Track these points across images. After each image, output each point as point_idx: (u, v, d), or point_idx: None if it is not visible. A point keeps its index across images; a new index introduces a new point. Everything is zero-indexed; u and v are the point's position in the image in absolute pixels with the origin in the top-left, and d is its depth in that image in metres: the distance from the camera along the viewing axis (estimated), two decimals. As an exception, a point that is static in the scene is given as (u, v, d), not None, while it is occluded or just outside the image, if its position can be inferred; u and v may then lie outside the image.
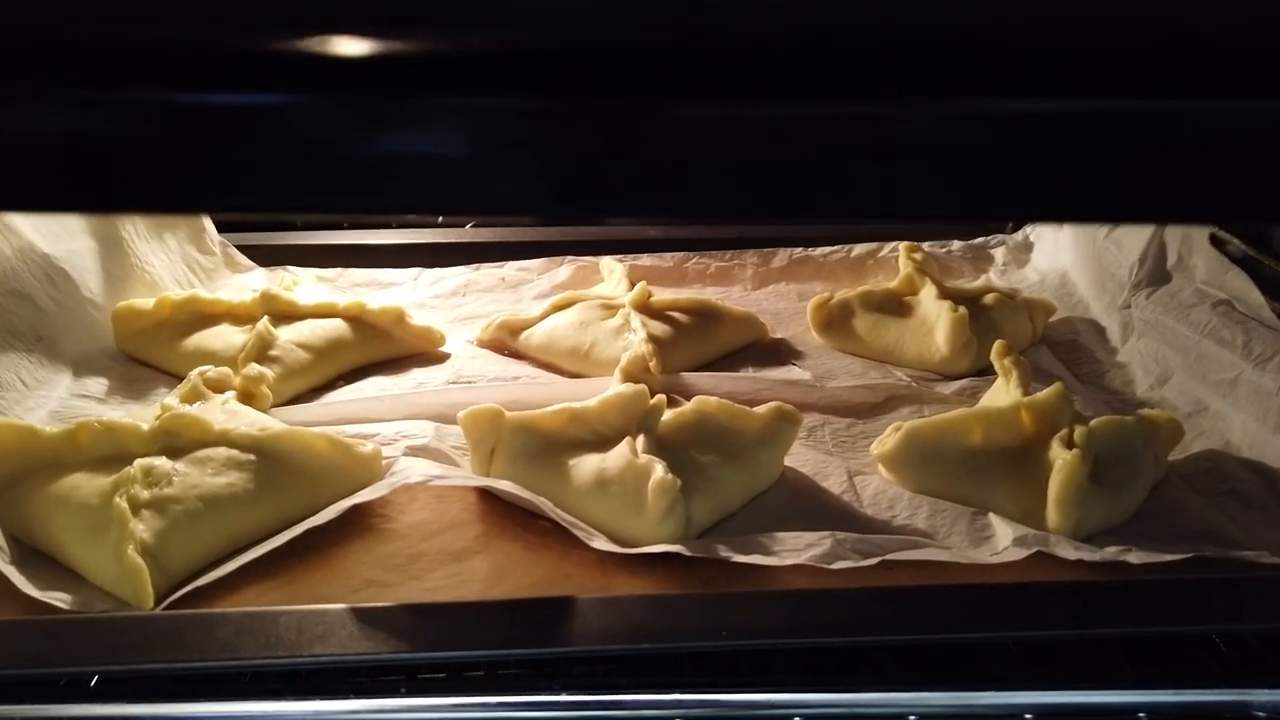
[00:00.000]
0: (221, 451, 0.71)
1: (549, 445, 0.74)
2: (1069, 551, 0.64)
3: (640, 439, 0.72)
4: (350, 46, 0.32)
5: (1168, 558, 0.63)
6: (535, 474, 0.73)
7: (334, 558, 0.67)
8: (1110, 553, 0.64)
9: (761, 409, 0.77)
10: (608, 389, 0.79)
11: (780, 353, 1.00)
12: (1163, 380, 0.91)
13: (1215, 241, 0.94)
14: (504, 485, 0.69)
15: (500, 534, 0.70)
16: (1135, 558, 0.64)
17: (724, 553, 0.64)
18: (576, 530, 0.66)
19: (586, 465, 0.71)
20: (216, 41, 0.33)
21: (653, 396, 0.78)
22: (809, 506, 0.73)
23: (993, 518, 0.70)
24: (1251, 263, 0.92)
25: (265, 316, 0.93)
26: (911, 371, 0.96)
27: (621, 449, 0.71)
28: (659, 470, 0.67)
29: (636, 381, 0.84)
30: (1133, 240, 1.00)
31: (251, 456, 0.71)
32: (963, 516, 0.71)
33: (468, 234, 1.23)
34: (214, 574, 0.63)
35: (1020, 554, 0.65)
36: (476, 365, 0.96)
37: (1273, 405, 0.79)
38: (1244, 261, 0.92)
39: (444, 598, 0.62)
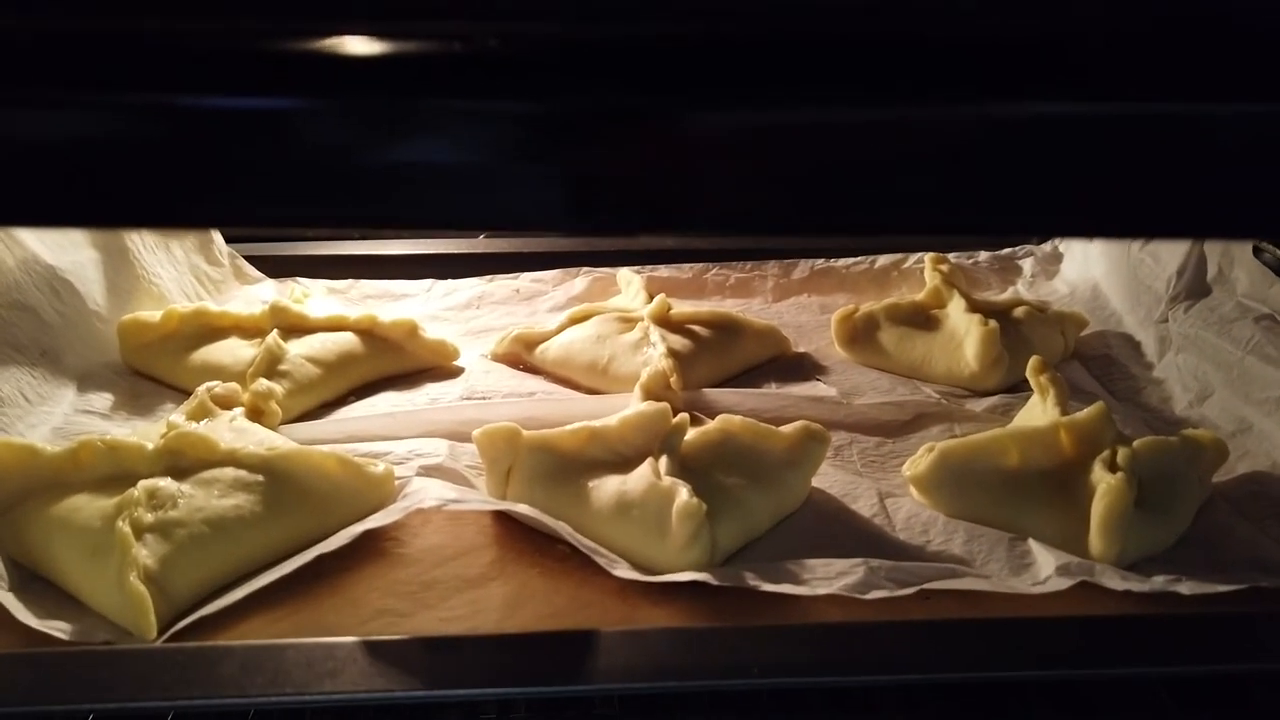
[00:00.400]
0: (229, 472, 0.69)
1: (568, 466, 0.71)
2: (1116, 582, 0.61)
3: (663, 460, 0.69)
4: (367, 48, 0.30)
5: (1221, 589, 0.60)
6: (554, 496, 0.70)
7: (344, 584, 0.64)
8: (1159, 583, 0.61)
9: (788, 428, 0.74)
10: (627, 406, 0.77)
11: (804, 368, 0.97)
12: (1203, 397, 0.88)
13: (1258, 253, 0.90)
14: (522, 509, 0.66)
15: (517, 559, 0.67)
16: (1186, 588, 0.60)
17: (752, 581, 0.61)
18: (598, 557, 0.63)
19: (607, 487, 0.69)
20: (229, 45, 0.30)
21: (675, 414, 0.75)
22: (838, 531, 0.70)
23: (1032, 544, 0.67)
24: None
25: (275, 330, 0.91)
26: (940, 387, 0.92)
27: (644, 470, 0.68)
28: (683, 494, 0.64)
29: (657, 398, 0.81)
30: (1170, 252, 0.97)
31: (260, 477, 0.69)
32: (1001, 543, 0.68)
33: (481, 244, 1.20)
34: (220, 602, 0.61)
35: (1064, 584, 0.61)
36: (491, 380, 0.93)
37: (1323, 425, 0.76)
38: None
39: (459, 628, 0.59)
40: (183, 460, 0.69)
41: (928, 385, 0.93)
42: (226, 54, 0.30)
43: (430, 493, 0.67)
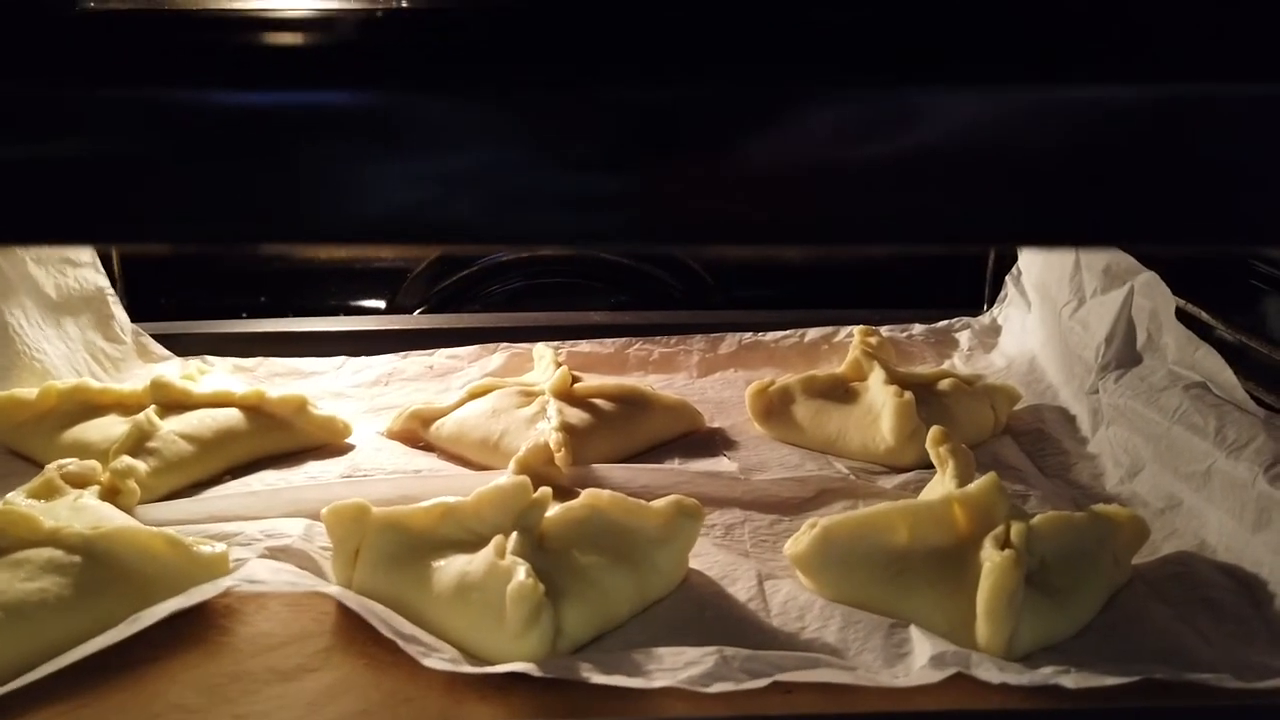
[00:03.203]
0: (44, 553, 0.63)
1: (417, 546, 0.66)
2: (991, 674, 0.54)
3: (513, 538, 0.63)
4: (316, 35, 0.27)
5: (1110, 681, 0.53)
6: (398, 579, 0.64)
7: (147, 676, 0.58)
8: (1044, 675, 0.54)
9: (659, 503, 0.68)
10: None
11: (714, 444, 0.92)
12: (1134, 473, 0.82)
13: (1184, 317, 0.85)
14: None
15: (347, 648, 0.61)
16: (1071, 681, 0.53)
17: (584, 673, 0.55)
18: (411, 646, 0.57)
19: (451, 569, 0.63)
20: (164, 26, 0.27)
21: (558, 490, 0.70)
22: (709, 617, 0.64)
23: (913, 631, 0.61)
24: (1223, 339, 0.83)
25: (152, 406, 0.87)
26: (854, 463, 0.87)
27: (488, 550, 0.63)
28: (520, 574, 0.59)
29: (537, 474, 0.76)
30: (1099, 319, 0.91)
31: (76, 559, 0.63)
32: (879, 629, 0.61)
33: (398, 321, 1.17)
34: (-4, 693, 0.55)
35: (934, 676, 0.55)
36: (379, 458, 0.88)
37: (1249, 499, 0.69)
38: (1219, 340, 0.83)
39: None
40: (1, 540, 0.64)
41: (841, 461, 0.87)
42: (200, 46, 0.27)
43: (240, 576, 0.61)
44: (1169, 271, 0.86)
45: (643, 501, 0.68)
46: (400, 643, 0.56)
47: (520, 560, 0.60)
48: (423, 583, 0.63)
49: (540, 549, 0.65)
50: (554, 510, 0.68)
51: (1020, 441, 0.91)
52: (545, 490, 0.68)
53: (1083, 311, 0.94)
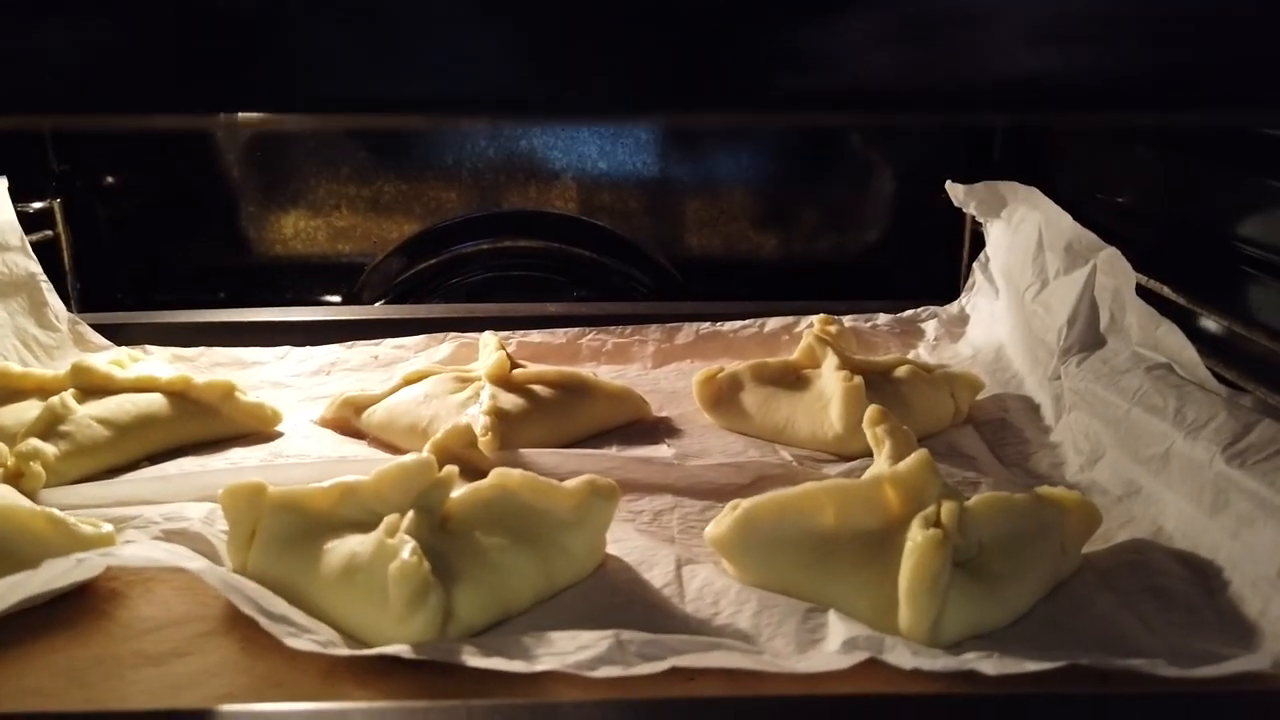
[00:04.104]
0: (-83, 534, 0.60)
1: (313, 527, 0.62)
2: (904, 659, 0.50)
3: (409, 517, 0.59)
4: None
5: (1031, 667, 0.49)
6: (292, 561, 0.60)
7: (11, 659, 0.55)
8: (961, 660, 0.50)
9: (572, 483, 0.64)
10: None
11: (657, 432, 0.88)
12: (1094, 460, 0.77)
13: (1145, 294, 0.80)
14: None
15: (228, 632, 0.57)
16: (991, 667, 0.49)
17: (463, 656, 0.51)
18: (276, 626, 0.53)
19: (342, 550, 0.59)
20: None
21: (477, 474, 0.66)
22: (618, 602, 0.60)
23: (831, 616, 0.56)
24: (1184, 313, 0.78)
25: (71, 389, 0.83)
26: (801, 451, 0.82)
27: (379, 530, 0.59)
28: (404, 553, 0.55)
29: (458, 458, 0.72)
30: (1061, 300, 0.87)
31: (-52, 540, 0.60)
32: (793, 614, 0.57)
33: (351, 311, 1.14)
34: None
35: (844, 662, 0.50)
36: (306, 445, 0.85)
37: (1206, 481, 0.64)
38: (1179, 314, 0.79)
39: (97, 707, 0.50)
40: (-122, 522, 0.61)
41: (788, 449, 0.83)
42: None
43: (115, 553, 0.58)
44: (1146, 255, 0.81)
45: (554, 482, 0.64)
46: (264, 621, 0.52)
47: (407, 539, 0.56)
48: (314, 565, 0.59)
49: (443, 530, 0.61)
50: (462, 490, 0.64)
51: (981, 431, 0.86)
52: (450, 469, 0.64)
53: (1045, 294, 0.89)
